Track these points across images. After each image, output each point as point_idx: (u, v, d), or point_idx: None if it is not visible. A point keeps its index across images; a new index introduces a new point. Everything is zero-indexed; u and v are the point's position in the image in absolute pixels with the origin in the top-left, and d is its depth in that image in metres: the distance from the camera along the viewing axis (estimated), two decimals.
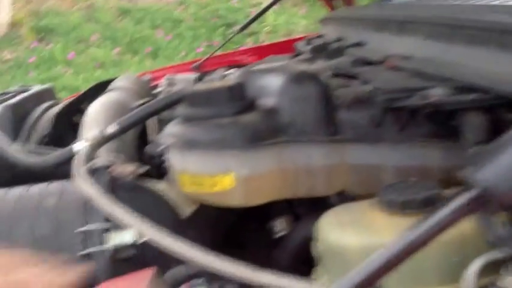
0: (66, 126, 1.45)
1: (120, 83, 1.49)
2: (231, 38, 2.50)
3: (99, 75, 6.08)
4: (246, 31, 2.39)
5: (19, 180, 0.96)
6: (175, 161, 0.85)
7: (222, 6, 7.14)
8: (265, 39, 6.40)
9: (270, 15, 6.30)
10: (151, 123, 1.21)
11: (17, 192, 0.88)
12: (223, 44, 2.47)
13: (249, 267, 0.53)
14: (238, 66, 1.90)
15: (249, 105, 0.84)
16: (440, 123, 0.83)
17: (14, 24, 7.28)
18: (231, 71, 1.68)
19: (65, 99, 1.77)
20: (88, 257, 0.80)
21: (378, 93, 0.85)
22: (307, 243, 0.84)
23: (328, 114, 0.85)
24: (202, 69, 1.97)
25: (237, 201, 0.84)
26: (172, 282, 0.78)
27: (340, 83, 1.00)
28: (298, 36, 2.29)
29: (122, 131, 0.93)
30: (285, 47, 2.03)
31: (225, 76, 1.53)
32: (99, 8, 7.38)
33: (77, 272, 0.69)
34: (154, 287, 0.73)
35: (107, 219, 0.80)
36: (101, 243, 0.81)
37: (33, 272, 0.63)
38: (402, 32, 1.12)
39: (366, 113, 0.85)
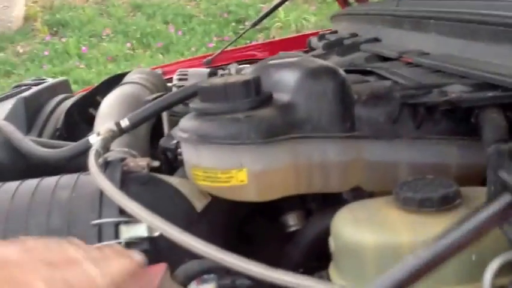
0: (79, 119, 1.45)
1: (134, 76, 1.49)
2: (242, 33, 2.50)
3: (111, 69, 6.12)
4: (257, 26, 2.39)
5: (33, 173, 0.96)
6: (189, 155, 0.85)
7: (233, 1, 7.14)
8: (275, 35, 6.38)
9: (280, 11, 6.28)
10: (166, 117, 1.21)
11: (30, 184, 0.88)
12: (235, 40, 2.47)
13: (262, 265, 0.52)
14: (250, 61, 1.90)
15: (265, 100, 0.83)
16: (458, 120, 0.82)
17: (28, 18, 7.33)
18: (244, 65, 1.68)
19: (78, 92, 1.78)
20: None
21: (396, 89, 0.84)
22: (319, 239, 0.83)
23: (344, 110, 0.84)
24: (214, 64, 1.97)
25: (251, 196, 0.83)
26: (184, 278, 0.77)
27: (356, 79, 0.99)
28: (309, 32, 2.28)
29: (135, 125, 0.92)
30: (297, 43, 2.02)
31: (240, 70, 1.52)
32: (111, 3, 7.41)
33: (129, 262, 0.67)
34: (166, 283, 0.72)
35: (121, 213, 0.80)
36: (115, 236, 0.80)
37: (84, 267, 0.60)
38: (418, 28, 1.11)
39: (383, 109, 0.84)
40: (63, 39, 6.87)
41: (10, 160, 1.07)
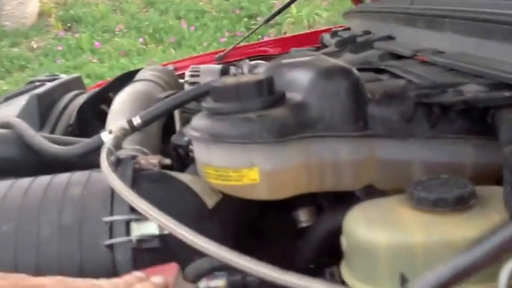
0: (92, 116, 1.46)
1: (146, 73, 1.49)
2: (254, 30, 2.49)
3: (124, 64, 6.15)
4: (268, 22, 2.38)
5: (46, 169, 0.96)
6: (201, 154, 0.85)
7: None
8: (287, 30, 6.37)
9: (292, 6, 6.27)
10: (177, 114, 1.21)
11: (43, 181, 0.88)
12: (247, 36, 2.46)
13: (271, 267, 0.52)
14: (261, 57, 1.89)
15: (277, 100, 0.82)
16: (474, 119, 0.81)
17: (42, 14, 7.38)
18: (255, 62, 1.67)
19: (90, 87, 1.78)
20: (112, 247, 0.80)
21: (410, 88, 0.83)
22: (330, 235, 0.83)
23: (357, 109, 0.83)
24: (226, 60, 1.97)
25: (262, 194, 0.83)
26: (194, 276, 0.77)
27: (370, 77, 0.99)
28: (322, 29, 2.27)
29: (147, 122, 0.93)
30: (309, 39, 2.01)
31: (252, 66, 1.52)
32: (125, 0, 7.44)
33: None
34: (178, 284, 0.72)
35: (132, 210, 0.80)
36: (126, 233, 0.80)
37: None
38: (433, 26, 1.10)
39: (397, 108, 0.83)
40: (77, 35, 6.91)
41: (23, 156, 1.08)
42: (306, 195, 0.93)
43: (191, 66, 1.66)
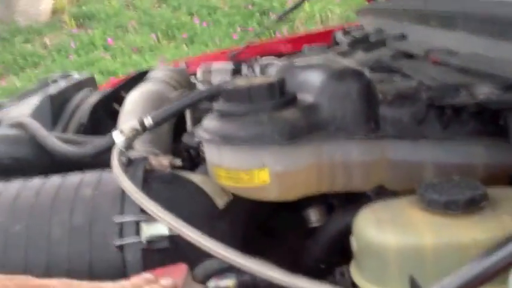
0: (104, 115, 1.46)
1: (158, 73, 1.49)
2: (267, 27, 2.49)
3: (136, 60, 6.17)
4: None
5: (58, 169, 0.97)
6: (212, 155, 0.85)
7: None
8: (300, 26, 6.35)
9: (305, 2, 6.26)
10: (189, 114, 1.21)
11: (54, 181, 0.89)
12: (259, 33, 2.46)
13: (279, 270, 0.52)
14: (274, 55, 1.89)
15: (289, 101, 0.83)
16: (486, 121, 0.81)
17: (55, 11, 7.43)
18: (267, 61, 1.67)
19: (102, 86, 1.79)
20: (122, 247, 0.80)
21: (422, 89, 0.83)
22: (340, 235, 0.82)
23: (368, 111, 0.83)
24: (239, 58, 1.96)
25: (272, 196, 0.83)
26: (203, 276, 0.77)
27: (381, 78, 0.98)
28: (335, 26, 2.26)
29: (158, 123, 0.93)
30: (322, 37, 2.01)
31: (265, 65, 1.52)
32: None
33: None
34: (188, 283, 0.73)
35: (142, 211, 0.80)
36: (136, 234, 0.81)
37: None
38: (446, 25, 1.09)
39: (409, 110, 0.83)
40: (89, 31, 6.95)
41: (35, 156, 1.09)
42: (317, 195, 0.93)
43: (203, 64, 1.66)
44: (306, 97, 0.84)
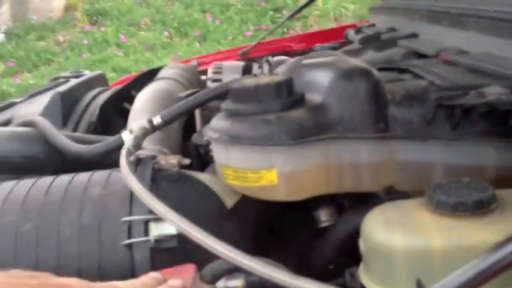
0: (114, 113, 1.47)
1: (168, 71, 1.49)
2: (278, 26, 2.49)
3: (149, 57, 6.19)
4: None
5: (68, 167, 0.97)
6: (219, 155, 0.85)
7: None
8: (313, 23, 6.34)
9: None
10: (198, 113, 1.21)
11: (63, 180, 0.89)
12: (272, 31, 2.46)
13: (286, 273, 0.52)
14: (286, 53, 1.89)
15: (297, 101, 0.82)
16: (496, 121, 0.80)
17: (68, 8, 7.48)
18: (278, 58, 1.67)
19: (115, 83, 1.80)
20: (130, 247, 0.80)
21: (432, 89, 0.82)
22: (350, 236, 0.82)
23: (377, 111, 0.82)
24: (250, 55, 1.96)
25: (281, 196, 0.83)
26: (211, 276, 0.77)
27: (392, 77, 0.98)
28: (347, 24, 2.25)
29: (168, 122, 0.93)
30: (334, 35, 2.00)
31: (276, 63, 1.51)
32: None
33: None
34: (196, 284, 0.73)
35: (151, 210, 0.81)
36: (145, 233, 0.81)
37: None
38: (457, 25, 1.08)
39: (418, 110, 0.83)
40: (102, 29, 6.98)
41: (46, 155, 1.09)
42: (327, 195, 0.93)
43: (214, 63, 1.66)
44: (314, 97, 0.83)
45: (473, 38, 0.98)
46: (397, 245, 0.68)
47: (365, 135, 0.82)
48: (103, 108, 1.42)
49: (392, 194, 0.85)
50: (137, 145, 0.87)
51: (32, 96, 1.52)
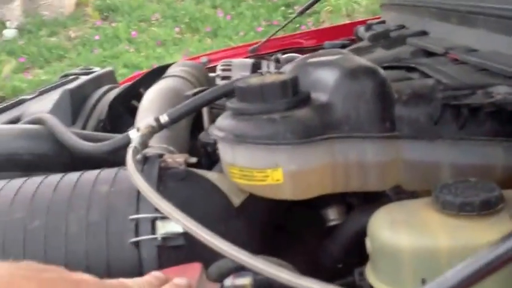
0: (123, 111, 1.48)
1: (177, 69, 1.50)
2: (289, 21, 2.48)
3: (160, 53, 6.20)
4: (306, 11, 2.36)
5: (77, 165, 0.98)
6: (225, 154, 0.85)
7: None
8: (325, 19, 6.32)
9: None
10: (206, 111, 1.21)
11: (71, 178, 0.90)
12: (283, 27, 2.45)
13: (291, 273, 0.52)
14: (296, 49, 1.88)
15: (302, 100, 0.82)
16: (504, 121, 0.80)
17: (79, 4, 7.50)
18: (287, 56, 1.67)
19: (122, 82, 1.81)
20: (137, 244, 0.81)
21: (439, 88, 0.82)
22: (359, 235, 0.82)
23: (383, 110, 0.82)
24: (260, 52, 1.96)
25: (286, 195, 0.83)
26: (218, 275, 0.77)
27: (399, 76, 0.97)
28: (358, 20, 2.24)
29: (174, 120, 0.93)
30: (344, 31, 1.99)
31: (285, 60, 1.51)
32: None
33: None
34: (202, 283, 0.73)
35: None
36: (152, 231, 0.81)
37: None
38: (467, 23, 1.07)
39: (424, 109, 0.82)
40: (113, 24, 7.00)
41: (55, 152, 1.10)
42: (335, 194, 0.92)
43: (223, 60, 1.66)
44: (320, 96, 0.83)
45: (482, 36, 0.98)
46: (403, 244, 0.68)
47: (371, 135, 0.82)
48: (112, 106, 1.43)
49: (401, 193, 0.85)
50: (144, 143, 0.87)
51: (41, 93, 1.53)
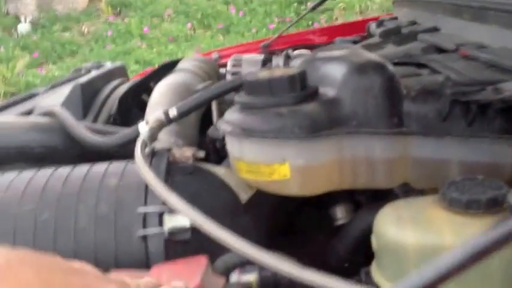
0: (133, 105, 1.48)
1: (187, 64, 1.50)
2: (300, 17, 2.47)
3: (172, 50, 6.20)
4: (319, 8, 2.36)
5: (88, 158, 0.98)
6: (233, 148, 0.85)
7: None
8: (338, 16, 6.30)
9: None
10: (215, 106, 1.21)
11: (81, 170, 0.90)
12: (294, 23, 2.45)
13: (295, 265, 0.52)
14: (307, 46, 1.88)
15: (310, 95, 0.82)
16: None
17: None
18: (298, 52, 1.66)
19: (134, 77, 1.81)
20: (144, 238, 0.81)
21: (447, 85, 0.81)
22: (366, 234, 0.82)
23: (392, 105, 0.82)
24: (271, 48, 1.96)
25: (293, 190, 0.83)
26: (223, 269, 0.78)
27: (408, 72, 0.97)
28: (370, 17, 2.23)
29: (183, 114, 0.93)
30: (356, 28, 1.98)
31: (295, 57, 1.51)
32: None
33: None
34: (207, 276, 0.73)
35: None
36: (159, 224, 0.82)
37: None
38: (479, 18, 1.06)
39: (433, 105, 0.81)
40: (126, 20, 7.02)
41: (66, 146, 1.11)
42: (344, 192, 0.92)
43: (233, 55, 1.66)
44: (328, 91, 0.83)
45: (494, 32, 0.97)
46: (408, 241, 0.68)
47: (379, 130, 0.81)
48: (122, 100, 1.43)
49: (409, 192, 0.84)
50: (152, 137, 0.87)
51: (53, 87, 1.54)
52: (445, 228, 0.67)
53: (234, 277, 0.79)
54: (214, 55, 1.94)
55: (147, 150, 0.86)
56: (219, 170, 0.92)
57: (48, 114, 1.17)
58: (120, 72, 1.68)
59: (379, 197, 0.88)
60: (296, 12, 6.52)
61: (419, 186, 0.85)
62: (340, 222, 0.97)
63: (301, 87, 0.81)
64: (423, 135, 0.82)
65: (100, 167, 0.90)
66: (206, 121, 1.23)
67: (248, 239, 0.58)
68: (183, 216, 0.68)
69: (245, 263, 0.78)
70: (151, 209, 0.82)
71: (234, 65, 1.58)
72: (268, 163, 0.80)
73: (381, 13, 4.95)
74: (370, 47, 1.31)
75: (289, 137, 0.78)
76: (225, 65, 1.66)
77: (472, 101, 0.78)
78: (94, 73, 1.55)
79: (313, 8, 2.24)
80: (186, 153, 0.88)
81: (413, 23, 1.46)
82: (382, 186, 0.85)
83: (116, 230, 0.82)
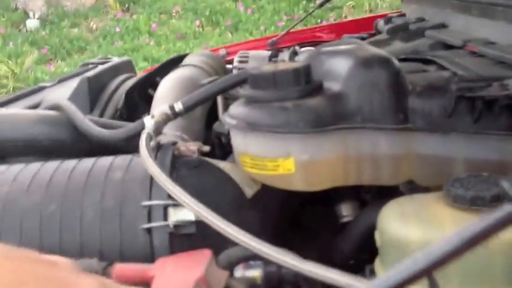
0: (139, 100, 1.48)
1: (193, 59, 1.50)
2: (307, 14, 2.47)
3: (180, 47, 6.20)
4: (328, 6, 2.35)
5: (95, 152, 0.98)
6: (238, 142, 0.85)
7: None
8: (348, 14, 6.28)
9: None
10: (220, 100, 1.21)
11: (86, 164, 0.91)
12: (299, 22, 2.44)
13: (297, 258, 0.52)
14: (314, 43, 1.88)
15: (315, 89, 0.81)
16: None
17: None
18: (305, 49, 1.66)
19: (141, 73, 1.82)
20: (149, 231, 0.81)
21: (453, 81, 0.81)
22: (370, 231, 0.82)
23: (397, 101, 0.81)
24: (278, 45, 1.96)
25: (298, 185, 0.83)
26: (227, 263, 0.78)
27: (415, 68, 0.96)
28: (378, 14, 2.23)
29: (189, 108, 0.93)
30: (365, 25, 1.98)
31: (297, 53, 1.51)
32: None
33: None
34: (211, 269, 0.73)
35: (170, 195, 0.81)
36: (164, 218, 0.82)
37: None
38: (486, 14, 1.06)
39: (438, 101, 0.81)
40: (134, 16, 7.02)
41: (73, 139, 1.11)
42: (350, 190, 0.92)
43: (240, 52, 1.66)
44: (333, 85, 0.83)
45: (502, 29, 0.96)
46: (412, 237, 0.68)
47: (384, 126, 0.81)
48: (128, 94, 1.44)
49: (414, 189, 0.84)
50: (158, 131, 0.87)
51: (61, 81, 1.55)
52: (448, 225, 0.67)
53: (239, 273, 0.79)
54: (222, 51, 1.94)
55: (153, 143, 0.86)
56: (225, 165, 0.92)
57: (55, 107, 1.17)
58: (127, 67, 1.68)
59: (385, 195, 0.88)
60: (305, 10, 6.50)
61: (424, 183, 0.84)
62: (345, 219, 0.96)
63: (306, 81, 0.81)
64: (428, 132, 0.82)
65: (105, 161, 0.91)
66: (212, 116, 1.23)
67: (254, 235, 0.58)
68: (188, 209, 0.68)
69: (249, 258, 0.78)
70: (156, 202, 0.82)
71: (240, 61, 1.58)
72: (273, 157, 0.80)
73: (390, 11, 4.93)
74: (377, 44, 1.31)
75: (293, 131, 0.78)
76: (232, 62, 1.66)
77: (478, 97, 0.78)
78: (101, 67, 1.55)
79: (321, 6, 2.24)
80: (191, 147, 0.88)
81: (421, 19, 1.45)
82: (386, 182, 0.85)
83: (121, 223, 0.82)
